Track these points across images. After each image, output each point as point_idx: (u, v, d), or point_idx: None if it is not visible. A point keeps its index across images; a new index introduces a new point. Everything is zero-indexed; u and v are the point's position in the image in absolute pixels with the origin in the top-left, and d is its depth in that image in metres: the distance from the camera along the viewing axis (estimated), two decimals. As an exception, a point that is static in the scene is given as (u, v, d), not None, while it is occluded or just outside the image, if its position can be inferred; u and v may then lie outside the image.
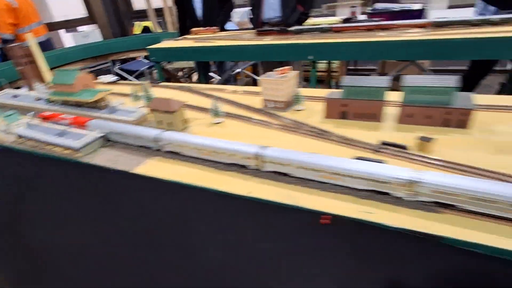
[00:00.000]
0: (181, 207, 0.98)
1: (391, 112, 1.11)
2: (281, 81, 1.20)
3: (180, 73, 5.82)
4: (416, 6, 3.94)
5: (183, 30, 3.94)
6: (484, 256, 0.57)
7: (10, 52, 1.91)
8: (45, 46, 4.43)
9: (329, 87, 3.60)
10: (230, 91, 1.57)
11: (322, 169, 0.76)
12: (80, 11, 7.46)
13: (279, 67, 1.23)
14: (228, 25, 5.35)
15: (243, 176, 0.87)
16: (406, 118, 1.02)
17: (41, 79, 1.97)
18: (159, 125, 1.22)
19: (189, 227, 1.00)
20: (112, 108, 1.39)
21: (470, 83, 2.91)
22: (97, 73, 6.02)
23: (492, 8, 2.72)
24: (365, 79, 1.06)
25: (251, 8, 3.55)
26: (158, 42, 3.24)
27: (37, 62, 1.97)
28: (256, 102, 1.37)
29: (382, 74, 4.32)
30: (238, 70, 4.61)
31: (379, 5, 4.18)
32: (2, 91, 1.87)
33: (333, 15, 5.47)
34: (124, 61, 6.31)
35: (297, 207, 0.72)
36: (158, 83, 1.84)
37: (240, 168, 0.89)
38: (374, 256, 0.70)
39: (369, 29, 2.45)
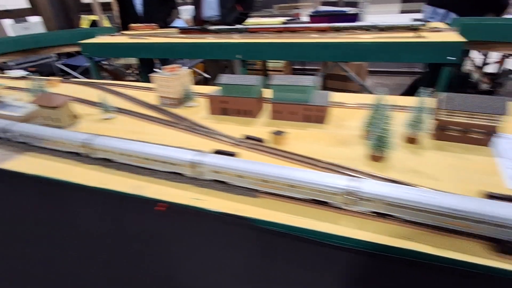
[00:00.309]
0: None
1: (268, 108, 1.19)
2: (171, 79, 1.25)
3: (129, 70, 5.68)
4: (352, 11, 4.15)
5: (124, 25, 3.85)
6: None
7: None
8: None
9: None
10: (134, 88, 1.59)
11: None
12: (23, 1, 6.99)
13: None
14: (177, 22, 5.30)
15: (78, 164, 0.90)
16: (276, 114, 1.11)
17: None
18: (46, 120, 1.21)
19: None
20: (2, 103, 1.35)
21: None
22: (39, 67, 5.67)
23: (441, 11, 2.72)
24: (241, 78, 1.13)
25: (194, 5, 3.56)
26: (92, 37, 3.15)
27: None
28: (155, 98, 1.40)
29: (325, 74, 4.53)
30: (185, 68, 4.59)
31: (321, 8, 4.37)
32: None
33: (284, 15, 5.63)
34: (69, 56, 6.03)
35: (141, 197, 0.77)
36: (68, 79, 1.81)
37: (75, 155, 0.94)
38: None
39: (279, 31, 2.64)
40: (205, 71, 5.33)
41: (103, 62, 5.59)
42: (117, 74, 4.43)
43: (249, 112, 1.14)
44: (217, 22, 3.31)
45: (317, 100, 1.07)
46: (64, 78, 1.88)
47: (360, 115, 1.11)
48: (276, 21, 4.60)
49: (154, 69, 4.49)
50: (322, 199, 0.68)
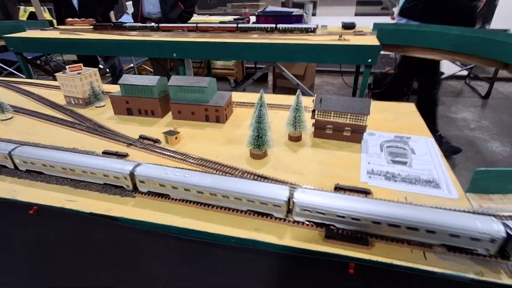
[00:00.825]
0: None
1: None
2: (75, 78, 1.21)
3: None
4: (297, 12, 4.27)
5: (60, 20, 3.64)
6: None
7: None
8: None
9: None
10: (45, 86, 1.52)
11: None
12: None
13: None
14: (124, 18, 5.12)
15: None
16: (177, 114, 1.13)
17: None
18: None
19: None
20: None
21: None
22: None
23: (415, 23, 2.54)
24: (141, 78, 1.14)
25: (132, 2, 3.45)
26: (21, 30, 2.94)
27: None
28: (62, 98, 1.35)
29: (274, 73, 4.63)
30: (131, 65, 4.45)
31: (269, 8, 4.46)
32: None
33: (235, 14, 5.65)
34: (4, 50, 5.57)
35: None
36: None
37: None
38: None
39: (190, 29, 2.78)
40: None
41: (42, 59, 5.24)
42: (48, 70, 4.14)
43: (151, 112, 1.15)
44: (159, 19, 3.25)
45: (216, 101, 1.11)
46: None
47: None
48: (224, 19, 4.62)
49: (100, 66, 4.31)
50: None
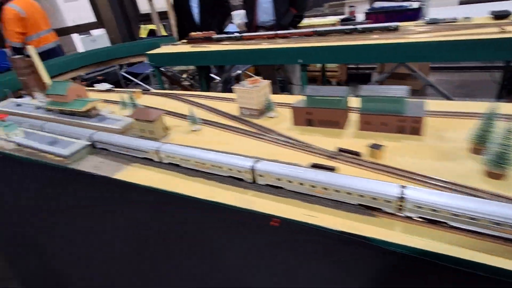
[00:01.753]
0: (156, 213, 1.08)
1: (355, 118, 1.17)
2: (253, 91, 1.28)
3: (184, 75, 5.96)
4: (414, 5, 3.92)
5: (182, 34, 4.04)
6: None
7: (13, 64, 2.05)
8: (55, 52, 4.60)
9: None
10: (211, 98, 1.66)
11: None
12: (90, 15, 7.68)
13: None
14: (230, 28, 5.44)
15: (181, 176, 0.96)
16: (365, 125, 1.09)
17: (42, 88, 2.11)
18: (141, 133, 1.32)
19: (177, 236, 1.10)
20: (101, 116, 1.49)
21: None
22: (105, 75, 6.18)
23: None
24: (327, 89, 1.13)
25: (245, 12, 3.62)
26: (156, 47, 3.36)
27: (39, 72, 2.10)
28: (234, 109, 1.45)
29: (381, 73, 4.33)
30: (238, 72, 4.71)
31: (377, 4, 4.19)
32: (6, 100, 2.01)
33: (334, 14, 5.49)
34: (130, 64, 6.49)
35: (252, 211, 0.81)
36: (148, 90, 1.95)
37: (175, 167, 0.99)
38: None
39: (269, 37, 2.83)
40: (256, 74, 5.42)
41: (162, 69, 5.96)
42: (175, 80, 4.66)
43: (335, 123, 1.14)
44: (272, 26, 3.34)
45: (411, 110, 1.03)
46: (127, 84, 2.05)
47: (461, 125, 1.04)
48: (328, 21, 4.52)
49: (211, 75, 4.68)
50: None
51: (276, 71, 3.98)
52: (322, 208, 0.78)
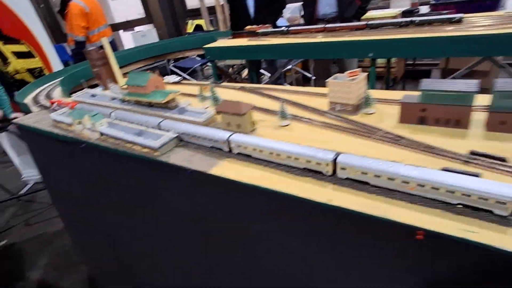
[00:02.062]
0: (254, 211, 1.00)
1: (476, 118, 1.02)
2: (352, 84, 1.16)
3: (230, 70, 5.96)
4: (490, -5, 3.55)
5: (235, 28, 4.00)
6: None
7: (88, 55, 2.10)
8: (111, 47, 4.80)
9: (387, 84, 3.42)
10: (292, 92, 1.56)
11: (410, 180, 0.72)
12: (138, 12, 7.95)
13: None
14: (280, 22, 5.33)
15: (319, 183, 0.86)
16: (498, 125, 0.93)
17: (114, 79, 2.14)
18: (227, 126, 1.26)
19: (260, 232, 1.02)
20: (181, 108, 1.46)
21: None
22: (154, 70, 6.38)
23: None
24: (449, 83, 0.98)
25: (302, 4, 3.49)
26: (212, 41, 3.33)
27: (111, 64, 2.14)
28: (321, 104, 1.34)
29: (445, 70, 3.99)
30: (289, 66, 4.58)
31: (444, -6, 3.84)
32: (81, 91, 2.06)
33: (387, 7, 5.17)
34: (177, 59, 6.62)
35: (383, 219, 0.70)
36: (218, 83, 1.90)
37: (315, 174, 0.89)
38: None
39: (317, 31, 2.73)
40: (304, 68, 5.26)
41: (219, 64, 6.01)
42: (227, 73, 4.67)
43: (457, 122, 0.99)
44: (333, 19, 3.18)
45: None
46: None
47: None
48: (388, 13, 4.24)
49: (261, 69, 4.61)
50: None
51: (331, 66, 3.81)
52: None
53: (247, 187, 0.91)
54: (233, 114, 1.20)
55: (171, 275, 1.61)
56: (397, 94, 1.24)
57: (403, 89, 4.47)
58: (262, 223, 1.01)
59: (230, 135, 1.07)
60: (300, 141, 1.07)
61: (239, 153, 1.06)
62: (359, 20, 3.15)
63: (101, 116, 1.40)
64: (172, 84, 2.08)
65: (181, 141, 1.24)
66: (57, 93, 2.27)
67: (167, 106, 1.49)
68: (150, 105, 1.56)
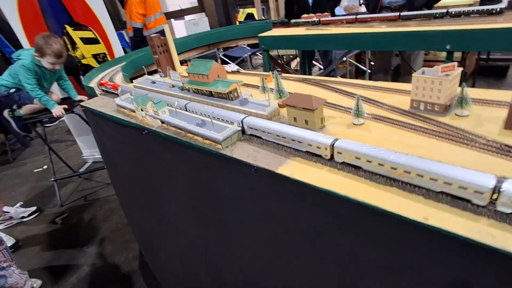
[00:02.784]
0: (323, 218, 0.91)
1: None
2: (445, 80, 1.00)
3: (279, 61, 5.83)
4: None
5: (290, 16, 3.86)
6: None
7: (150, 42, 2.13)
8: (164, 34, 4.94)
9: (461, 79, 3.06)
10: (363, 86, 1.42)
11: (397, 166, 0.73)
12: (190, 1, 8.08)
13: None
14: (336, 10, 5.06)
15: (412, 196, 0.74)
16: None
17: (172, 67, 2.16)
18: (292, 121, 1.17)
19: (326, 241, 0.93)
20: (243, 99, 1.40)
21: None
22: (206, 58, 6.44)
23: None
24: None
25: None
26: (265, 30, 3.24)
27: (170, 51, 2.15)
28: (399, 101, 1.19)
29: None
30: (343, 58, 4.34)
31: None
32: (142, 77, 2.10)
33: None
34: (226, 48, 6.64)
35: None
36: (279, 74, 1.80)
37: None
38: None
39: (348, 22, 2.68)
40: (357, 61, 4.97)
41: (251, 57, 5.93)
42: (281, 64, 4.57)
43: None
44: (401, 7, 2.90)
45: None
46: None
47: None
48: (462, 1, 3.79)
49: (314, 61, 4.44)
50: None
51: (392, 59, 3.52)
52: None
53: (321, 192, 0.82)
54: (303, 109, 1.11)
55: (220, 268, 1.59)
56: (499, 94, 1.05)
57: (473, 87, 4.02)
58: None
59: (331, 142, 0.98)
60: (379, 143, 0.95)
61: (310, 153, 0.97)
62: (430, 9, 2.84)
63: (163, 104, 1.39)
64: (231, 74, 2.03)
65: (243, 133, 1.18)
66: (119, 79, 2.35)
67: (229, 96, 1.43)
68: (210, 94, 1.52)
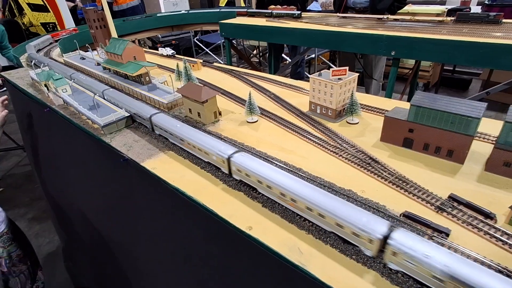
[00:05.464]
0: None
1: (479, 150, 0.80)
2: (336, 85, 0.96)
3: (255, 51, 5.72)
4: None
5: (261, 7, 3.75)
6: None
7: (85, 15, 1.99)
8: (136, 10, 4.74)
9: (412, 88, 3.07)
10: (279, 83, 1.37)
11: (285, 192, 0.63)
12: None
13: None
14: (313, 6, 4.97)
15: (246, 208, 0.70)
16: (501, 167, 0.71)
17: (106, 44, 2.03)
18: (188, 113, 1.11)
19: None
20: (152, 85, 1.32)
21: None
22: (179, 40, 6.23)
23: None
24: (450, 101, 0.76)
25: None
26: (230, 17, 3.13)
27: (108, 27, 2.02)
28: (303, 102, 1.15)
29: (487, 82, 3.54)
30: (312, 55, 4.28)
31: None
32: (74, 51, 1.98)
33: (441, 3, 4.64)
34: (205, 32, 6.46)
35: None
36: (211, 63, 1.73)
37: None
38: None
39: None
40: (331, 60, 4.92)
41: (233, 42, 5.78)
42: (244, 55, 4.46)
43: (451, 153, 0.77)
44: (365, 9, 2.85)
45: None
46: (198, 52, 1.85)
47: None
48: (436, 10, 3.78)
49: (283, 55, 4.35)
50: None
51: (357, 60, 3.49)
52: None
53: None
54: (194, 100, 1.04)
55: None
56: (392, 104, 1.02)
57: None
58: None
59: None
60: (259, 144, 0.91)
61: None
62: (393, 14, 2.81)
63: (64, 81, 1.29)
64: (163, 57, 1.93)
65: (133, 121, 1.11)
66: (56, 52, 2.21)
67: (140, 80, 1.35)
68: (126, 76, 1.43)
